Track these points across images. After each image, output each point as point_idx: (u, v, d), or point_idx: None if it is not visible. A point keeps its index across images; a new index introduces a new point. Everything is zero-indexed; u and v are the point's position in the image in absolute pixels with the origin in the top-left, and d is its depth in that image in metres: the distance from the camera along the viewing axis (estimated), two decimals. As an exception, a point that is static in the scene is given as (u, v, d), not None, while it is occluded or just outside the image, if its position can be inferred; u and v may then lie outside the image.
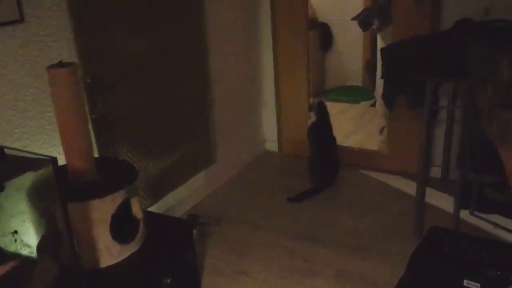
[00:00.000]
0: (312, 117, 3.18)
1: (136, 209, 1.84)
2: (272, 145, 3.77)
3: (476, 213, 2.69)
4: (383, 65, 2.42)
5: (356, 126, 4.26)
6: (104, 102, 2.22)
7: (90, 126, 2.09)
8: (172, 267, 2.03)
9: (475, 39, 1.83)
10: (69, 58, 2.02)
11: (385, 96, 2.50)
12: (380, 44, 3.29)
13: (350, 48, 5.25)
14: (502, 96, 0.67)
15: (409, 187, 3.07)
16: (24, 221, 1.41)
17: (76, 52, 2.06)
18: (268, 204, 3.00)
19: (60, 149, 1.85)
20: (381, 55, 2.42)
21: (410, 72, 2.26)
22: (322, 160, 3.15)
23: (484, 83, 0.71)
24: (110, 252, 1.77)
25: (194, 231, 2.41)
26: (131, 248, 1.86)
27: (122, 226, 1.80)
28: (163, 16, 2.53)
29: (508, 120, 0.67)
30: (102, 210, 1.69)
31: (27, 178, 1.38)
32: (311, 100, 3.30)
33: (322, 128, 3.20)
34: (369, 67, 5.07)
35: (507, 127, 0.67)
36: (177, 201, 2.83)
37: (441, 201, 2.85)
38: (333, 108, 4.71)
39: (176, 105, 2.71)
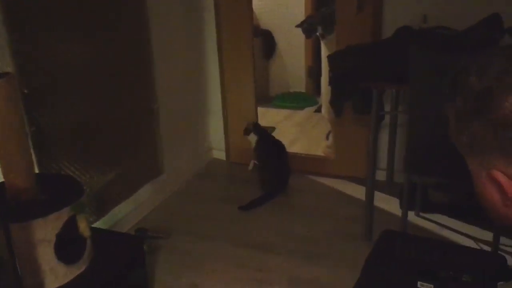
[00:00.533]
0: (252, 138, 3.23)
1: (83, 227, 1.75)
2: (219, 153, 3.73)
3: (421, 214, 2.77)
4: (330, 71, 2.45)
5: (301, 132, 4.30)
6: (43, 113, 2.10)
7: (29, 140, 1.97)
8: (122, 285, 1.94)
9: (420, 47, 1.89)
10: (3, 68, 1.88)
11: (333, 102, 2.53)
12: (324, 50, 3.34)
13: (292, 54, 5.31)
14: (473, 105, 0.67)
15: (356, 191, 3.13)
16: (-41, 247, 1.29)
17: (12, 61, 1.93)
18: (218, 214, 2.95)
19: (-3, 165, 1.72)
20: (328, 62, 2.45)
21: (357, 78, 2.30)
22: (273, 168, 3.16)
23: (452, 91, 0.70)
24: (55, 274, 1.66)
25: (144, 246, 2.32)
26: (78, 269, 1.76)
27: (68, 246, 1.70)
28: (106, 23, 2.43)
29: (479, 129, 0.66)
30: (46, 229, 1.59)
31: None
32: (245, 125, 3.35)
33: (266, 142, 3.25)
34: (312, 73, 5.15)
35: (477, 136, 0.67)
36: (123, 215, 2.72)
37: (387, 203, 2.92)
38: (278, 115, 4.76)
39: (120, 114, 2.61)
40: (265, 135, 3.28)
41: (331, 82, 2.47)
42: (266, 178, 3.17)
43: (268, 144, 3.25)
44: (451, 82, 0.71)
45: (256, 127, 3.27)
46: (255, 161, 3.34)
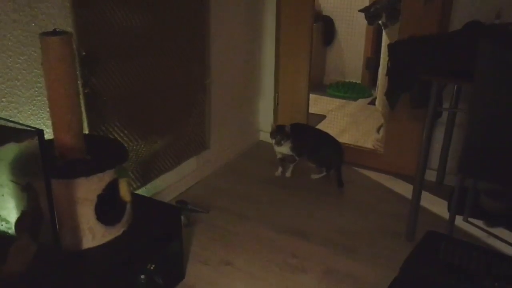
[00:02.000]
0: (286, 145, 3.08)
1: (124, 191, 1.77)
2: (267, 136, 3.69)
3: (470, 219, 2.64)
4: (389, 61, 2.35)
5: (352, 124, 4.20)
6: (98, 77, 2.13)
7: (81, 101, 2.01)
8: (157, 253, 1.96)
9: (492, 42, 1.76)
10: (64, 27, 1.92)
11: (388, 94, 2.43)
12: (385, 40, 3.22)
13: (352, 43, 5.18)
14: None
15: (403, 188, 3.02)
16: (3, 195, 1.33)
17: (73, 22, 1.96)
18: (259, 195, 2.93)
19: (49, 122, 1.76)
20: (388, 51, 2.35)
21: (416, 70, 2.19)
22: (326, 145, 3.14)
23: None
24: (93, 234, 1.69)
25: (182, 217, 2.34)
26: (116, 231, 1.79)
27: (108, 208, 1.73)
28: (166, -7, 2.43)
29: None
30: (88, 189, 1.61)
31: (10, 149, 1.30)
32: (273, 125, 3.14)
33: (302, 134, 3.14)
34: (370, 64, 5.01)
35: None
36: (166, 185, 2.75)
37: (434, 205, 2.81)
38: (330, 103, 4.67)
39: (172, 86, 2.62)
40: (297, 134, 3.09)
41: (389, 72, 2.36)
42: (320, 159, 3.13)
43: (303, 136, 3.14)
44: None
45: (279, 130, 3.06)
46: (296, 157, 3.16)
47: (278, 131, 3.04)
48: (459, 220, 2.60)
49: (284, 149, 3.08)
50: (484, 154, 1.92)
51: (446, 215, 2.55)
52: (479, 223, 2.63)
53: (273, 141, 3.05)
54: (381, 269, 2.24)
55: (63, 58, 1.56)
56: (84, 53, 2.03)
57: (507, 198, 2.59)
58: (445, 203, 2.78)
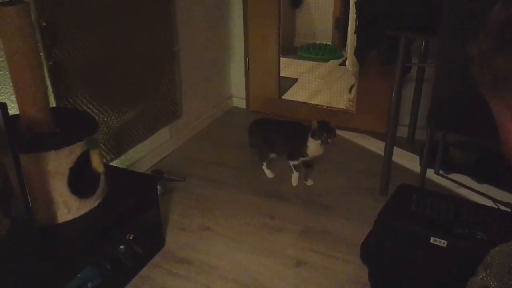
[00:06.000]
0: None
1: (97, 162, 1.75)
2: (239, 101, 3.68)
3: (441, 172, 2.71)
4: (357, 19, 2.35)
5: (324, 85, 4.21)
6: (61, 48, 2.07)
7: (46, 73, 1.95)
8: (135, 223, 1.96)
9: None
10: (21, -3, 1.84)
11: (357, 51, 2.43)
12: (352, -1, 3.20)
13: (320, 4, 5.13)
14: (497, 37, 0.60)
15: (376, 145, 3.08)
16: (-30, 172, 1.30)
17: (29, -8, 1.89)
18: (234, 161, 2.94)
19: (13, 97, 1.71)
20: (356, 8, 2.34)
21: (384, 26, 2.20)
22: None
23: (476, 30, 0.63)
24: (68, 207, 1.68)
25: (158, 187, 2.33)
26: (91, 203, 1.78)
27: (81, 180, 1.71)
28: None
29: (503, 65, 0.60)
30: (59, 162, 1.59)
31: (-27, 125, 1.26)
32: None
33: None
34: (339, 24, 4.98)
35: (501, 73, 0.61)
36: (141, 156, 2.73)
37: (407, 160, 2.87)
38: (302, 66, 4.65)
39: (140, 54, 2.57)
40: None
41: (357, 29, 2.36)
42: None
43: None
44: (477, 21, 0.64)
45: (323, 127, 2.50)
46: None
47: (323, 128, 2.47)
48: (430, 173, 2.67)
49: (322, 149, 2.54)
50: (451, 107, 1.96)
51: (418, 169, 2.61)
52: (450, 174, 2.70)
53: (319, 141, 2.45)
54: (356, 224, 2.30)
55: (22, 29, 1.51)
56: (44, 24, 1.96)
57: (474, 149, 2.66)
58: (417, 158, 2.84)
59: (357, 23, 2.35)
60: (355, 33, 2.41)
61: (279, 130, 2.68)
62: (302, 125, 2.59)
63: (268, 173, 2.75)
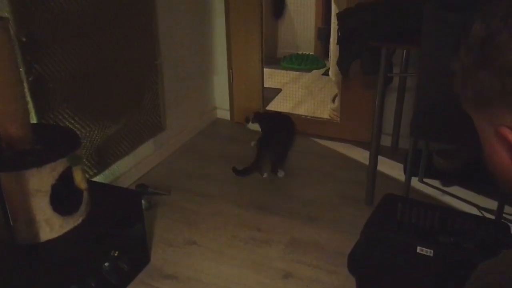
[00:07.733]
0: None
1: (80, 179, 1.72)
2: (223, 113, 3.67)
3: (425, 180, 2.73)
4: (338, 30, 2.36)
5: (307, 95, 4.22)
6: (42, 63, 2.04)
7: (26, 89, 1.92)
8: (120, 239, 1.94)
9: (433, 4, 1.80)
10: (0, 12, 1.82)
11: (340, 62, 2.45)
12: (334, 10, 3.23)
13: (302, 15, 5.17)
14: (477, 54, 0.61)
15: (360, 155, 3.09)
16: (-52, 193, 1.27)
17: (9, 6, 1.86)
18: (219, 173, 2.93)
19: (-8, 113, 1.68)
20: (337, 19, 2.36)
21: (365, 36, 2.22)
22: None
23: (458, 45, 0.64)
24: (50, 225, 1.65)
25: (143, 201, 2.31)
26: (75, 221, 1.75)
27: (64, 197, 1.68)
28: (107, -29, 2.34)
29: (484, 81, 0.60)
30: (41, 180, 1.56)
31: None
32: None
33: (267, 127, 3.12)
34: (321, 34, 5.02)
35: (483, 89, 0.61)
36: (125, 170, 2.70)
37: (391, 169, 2.88)
38: (285, 76, 4.67)
39: (122, 67, 2.55)
40: (267, 128, 3.10)
41: (339, 40, 2.38)
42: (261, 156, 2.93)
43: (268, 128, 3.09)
44: (458, 36, 0.65)
45: (256, 117, 3.15)
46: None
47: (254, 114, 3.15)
48: (415, 181, 2.69)
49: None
50: (433, 116, 1.98)
51: (402, 177, 2.63)
52: (434, 182, 2.72)
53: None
54: (343, 234, 2.30)
55: (1, 45, 1.49)
56: (24, 39, 1.94)
57: (458, 157, 2.69)
58: (401, 166, 2.86)
59: (339, 34, 2.37)
60: (337, 44, 2.43)
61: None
62: None
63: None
